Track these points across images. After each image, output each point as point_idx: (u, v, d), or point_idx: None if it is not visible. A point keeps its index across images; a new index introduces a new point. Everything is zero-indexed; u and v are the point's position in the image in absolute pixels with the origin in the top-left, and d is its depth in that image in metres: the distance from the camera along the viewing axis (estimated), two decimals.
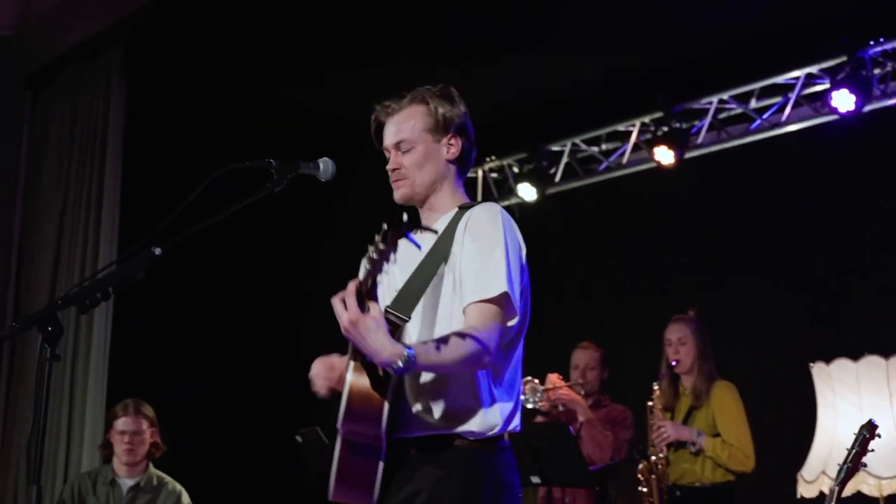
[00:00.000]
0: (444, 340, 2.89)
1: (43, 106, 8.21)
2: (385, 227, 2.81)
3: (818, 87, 7.28)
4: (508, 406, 3.09)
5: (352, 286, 2.84)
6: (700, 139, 7.85)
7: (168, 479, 5.76)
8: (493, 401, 3.03)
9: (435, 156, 3.20)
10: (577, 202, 8.71)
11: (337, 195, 7.02)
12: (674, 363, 5.95)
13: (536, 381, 6.19)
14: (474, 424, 3.01)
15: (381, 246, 2.77)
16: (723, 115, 7.81)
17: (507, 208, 8.94)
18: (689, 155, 7.79)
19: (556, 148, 8.66)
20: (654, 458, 5.87)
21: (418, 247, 2.94)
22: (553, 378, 6.26)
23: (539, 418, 6.25)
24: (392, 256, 2.78)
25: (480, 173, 9.29)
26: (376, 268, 2.80)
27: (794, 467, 5.31)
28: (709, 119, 7.78)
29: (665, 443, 5.83)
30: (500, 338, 2.98)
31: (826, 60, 7.14)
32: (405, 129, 3.20)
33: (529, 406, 6.16)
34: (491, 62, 7.74)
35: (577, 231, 8.67)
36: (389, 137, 3.23)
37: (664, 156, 7.73)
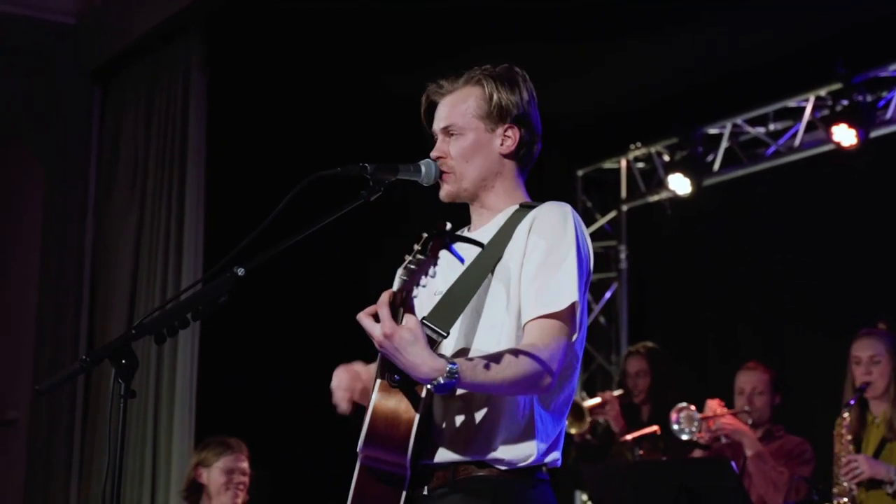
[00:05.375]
0: (496, 357, 2.97)
1: (113, 102, 8.48)
2: (425, 235, 2.95)
3: None
4: (553, 434, 3.19)
5: (385, 297, 2.94)
6: (888, 114, 7.77)
7: None
8: (537, 427, 3.13)
9: (486, 147, 3.29)
10: (741, 194, 8.65)
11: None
12: (864, 386, 5.89)
13: (692, 407, 6.16)
14: (512, 453, 3.11)
15: (420, 256, 2.92)
16: None
17: (657, 204, 9.10)
18: (874, 133, 7.71)
19: (713, 130, 8.64)
20: (840, 501, 5.79)
21: (461, 260, 3.06)
22: (713, 405, 6.22)
23: (697, 452, 6.21)
24: (432, 270, 2.94)
25: (624, 163, 9.35)
26: (413, 280, 2.94)
27: None
28: None
29: (857, 481, 5.74)
30: (566, 357, 3.10)
31: None
32: (455, 112, 3.30)
33: (685, 438, 6.13)
34: (633, 38, 7.75)
35: (740, 229, 8.61)
36: (438, 121, 3.34)
37: (845, 135, 7.66)
